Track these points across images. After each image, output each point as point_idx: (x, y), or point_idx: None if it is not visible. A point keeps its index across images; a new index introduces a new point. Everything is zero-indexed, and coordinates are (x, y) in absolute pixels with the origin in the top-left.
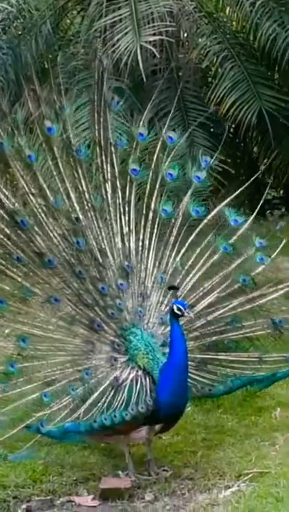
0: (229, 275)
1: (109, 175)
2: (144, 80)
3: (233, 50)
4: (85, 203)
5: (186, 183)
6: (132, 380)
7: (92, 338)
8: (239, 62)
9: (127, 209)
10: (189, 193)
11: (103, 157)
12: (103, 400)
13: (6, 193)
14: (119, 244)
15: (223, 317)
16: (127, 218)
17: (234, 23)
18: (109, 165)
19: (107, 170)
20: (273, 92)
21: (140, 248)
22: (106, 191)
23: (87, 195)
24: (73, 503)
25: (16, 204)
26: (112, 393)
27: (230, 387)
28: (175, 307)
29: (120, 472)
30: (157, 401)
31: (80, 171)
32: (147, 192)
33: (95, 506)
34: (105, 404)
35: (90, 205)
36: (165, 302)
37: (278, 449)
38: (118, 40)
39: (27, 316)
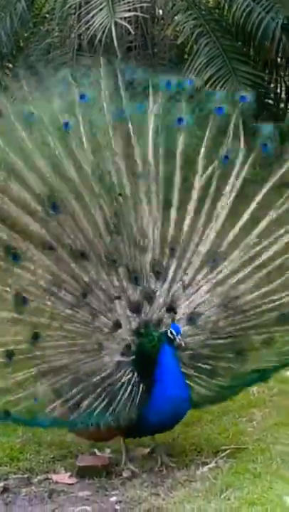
0: None
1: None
2: (119, 56)
3: (209, 26)
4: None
5: None
6: (122, 384)
7: (104, 337)
8: (214, 38)
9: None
10: None
11: None
12: (83, 394)
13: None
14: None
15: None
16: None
17: None
18: None
19: None
20: (249, 68)
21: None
22: None
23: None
24: (51, 481)
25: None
26: (96, 392)
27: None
28: (168, 331)
29: (96, 450)
30: (142, 418)
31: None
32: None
33: (73, 484)
34: (85, 402)
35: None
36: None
37: (255, 425)
38: (93, 16)
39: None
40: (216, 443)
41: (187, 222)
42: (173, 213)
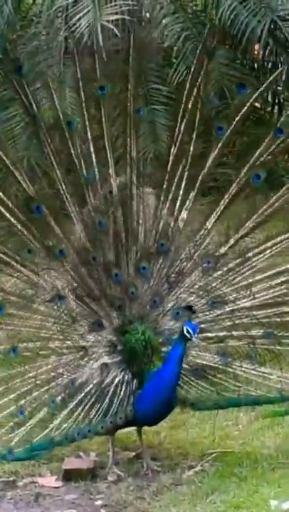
0: None
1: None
2: (105, 59)
3: (195, 29)
4: (130, 170)
5: None
6: (117, 385)
7: (88, 340)
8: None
9: (197, 177)
10: None
11: None
12: (80, 408)
13: (25, 178)
14: (162, 221)
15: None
16: (191, 189)
17: (196, 2)
18: None
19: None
20: (235, 72)
21: (194, 224)
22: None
23: (135, 161)
24: (36, 484)
25: (31, 188)
26: (92, 400)
27: (221, 406)
28: (185, 329)
29: (82, 453)
30: (136, 409)
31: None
32: None
33: (58, 487)
34: (81, 415)
35: (136, 173)
36: (198, 294)
37: (241, 429)
38: (79, 19)
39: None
40: (202, 447)
41: (183, 218)
42: (167, 208)
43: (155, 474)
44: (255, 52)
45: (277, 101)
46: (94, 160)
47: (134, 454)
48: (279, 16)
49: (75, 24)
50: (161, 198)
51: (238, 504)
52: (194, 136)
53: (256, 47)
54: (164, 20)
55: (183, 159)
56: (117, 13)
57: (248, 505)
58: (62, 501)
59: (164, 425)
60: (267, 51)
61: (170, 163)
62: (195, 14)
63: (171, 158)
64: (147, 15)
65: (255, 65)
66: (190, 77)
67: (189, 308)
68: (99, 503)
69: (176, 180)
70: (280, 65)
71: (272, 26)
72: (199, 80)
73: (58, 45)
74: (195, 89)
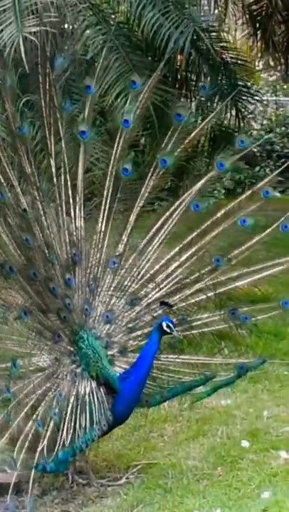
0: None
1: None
2: (28, 72)
3: (118, 41)
4: (31, 187)
5: None
6: (89, 395)
7: (56, 352)
8: (124, 54)
9: (77, 184)
10: None
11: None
12: (73, 418)
13: None
14: (67, 232)
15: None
16: (76, 196)
17: (119, 13)
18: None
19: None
20: (159, 84)
21: (91, 230)
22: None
23: (32, 178)
24: None
25: None
26: (78, 411)
27: (166, 398)
28: (164, 324)
29: (6, 468)
30: (116, 412)
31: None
32: None
33: None
34: (77, 424)
35: (36, 189)
36: (117, 295)
37: (167, 440)
38: (1, 31)
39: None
40: (127, 458)
41: (81, 226)
42: (67, 219)
43: (80, 487)
44: (178, 63)
45: None
46: (2, 181)
47: None
48: (201, 27)
49: None
50: (59, 210)
51: None
52: (63, 144)
53: (179, 58)
54: (86, 32)
55: (61, 169)
56: (39, 25)
57: None
58: None
59: None
60: (190, 62)
61: (54, 174)
62: (117, 26)
63: (53, 170)
64: (70, 26)
65: (178, 76)
66: (40, 85)
67: (165, 303)
68: None
69: (63, 190)
70: (202, 76)
71: (194, 37)
72: (48, 88)
73: None
74: (47, 97)
